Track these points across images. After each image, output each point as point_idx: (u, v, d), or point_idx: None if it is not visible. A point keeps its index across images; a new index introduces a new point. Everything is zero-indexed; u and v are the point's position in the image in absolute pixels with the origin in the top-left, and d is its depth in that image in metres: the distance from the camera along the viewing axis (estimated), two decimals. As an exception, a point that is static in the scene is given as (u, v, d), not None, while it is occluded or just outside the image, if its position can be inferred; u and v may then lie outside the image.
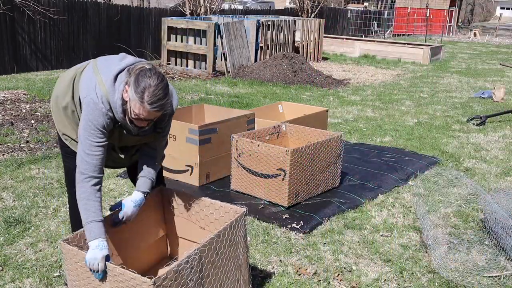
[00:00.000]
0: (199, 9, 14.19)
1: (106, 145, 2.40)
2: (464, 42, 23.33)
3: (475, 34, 26.37)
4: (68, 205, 2.96)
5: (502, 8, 54.74)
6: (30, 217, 3.79)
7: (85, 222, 2.32)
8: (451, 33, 27.57)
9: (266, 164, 4.11)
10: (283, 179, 4.02)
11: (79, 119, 2.46)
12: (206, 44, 10.64)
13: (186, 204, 2.86)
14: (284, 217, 3.90)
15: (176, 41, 11.21)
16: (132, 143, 2.62)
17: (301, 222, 3.82)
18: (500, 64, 14.91)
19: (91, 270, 2.24)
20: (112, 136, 2.47)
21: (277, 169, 4.05)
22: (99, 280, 2.27)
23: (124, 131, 2.48)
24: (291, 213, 3.99)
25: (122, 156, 2.68)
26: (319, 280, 3.09)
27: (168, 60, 11.34)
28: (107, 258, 2.25)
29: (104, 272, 2.23)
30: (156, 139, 2.64)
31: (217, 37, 10.63)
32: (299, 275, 3.14)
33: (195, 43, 10.90)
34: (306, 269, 3.20)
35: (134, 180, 3.02)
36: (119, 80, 2.35)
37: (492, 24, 40.41)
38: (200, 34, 10.76)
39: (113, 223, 2.55)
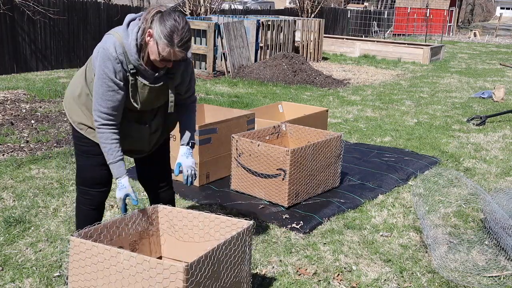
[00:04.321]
0: (199, 9, 14.18)
1: (120, 94, 2.51)
2: (464, 42, 23.33)
3: (475, 34, 26.38)
4: (75, 204, 2.94)
5: (502, 8, 54.77)
6: (30, 217, 3.79)
7: (108, 163, 2.61)
8: (451, 33, 27.58)
9: (266, 164, 4.11)
10: (283, 179, 4.02)
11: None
12: (206, 44, 10.64)
13: (185, 223, 2.79)
14: (284, 217, 3.90)
15: (176, 41, 11.20)
16: (150, 101, 2.61)
17: (301, 222, 3.82)
18: (500, 64, 14.93)
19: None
20: (128, 93, 2.53)
21: (277, 169, 4.05)
22: (123, 214, 2.64)
23: (139, 81, 2.53)
24: (291, 213, 3.99)
25: (146, 126, 2.69)
26: (319, 280, 3.09)
27: (168, 60, 11.34)
28: (128, 195, 2.61)
29: (125, 209, 2.62)
30: (180, 93, 2.72)
31: (217, 37, 10.63)
32: (299, 275, 3.14)
33: (195, 43, 10.89)
34: (306, 269, 3.20)
35: (143, 183, 2.99)
36: (132, 25, 2.48)
37: (492, 24, 40.40)
38: (200, 34, 10.76)
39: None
